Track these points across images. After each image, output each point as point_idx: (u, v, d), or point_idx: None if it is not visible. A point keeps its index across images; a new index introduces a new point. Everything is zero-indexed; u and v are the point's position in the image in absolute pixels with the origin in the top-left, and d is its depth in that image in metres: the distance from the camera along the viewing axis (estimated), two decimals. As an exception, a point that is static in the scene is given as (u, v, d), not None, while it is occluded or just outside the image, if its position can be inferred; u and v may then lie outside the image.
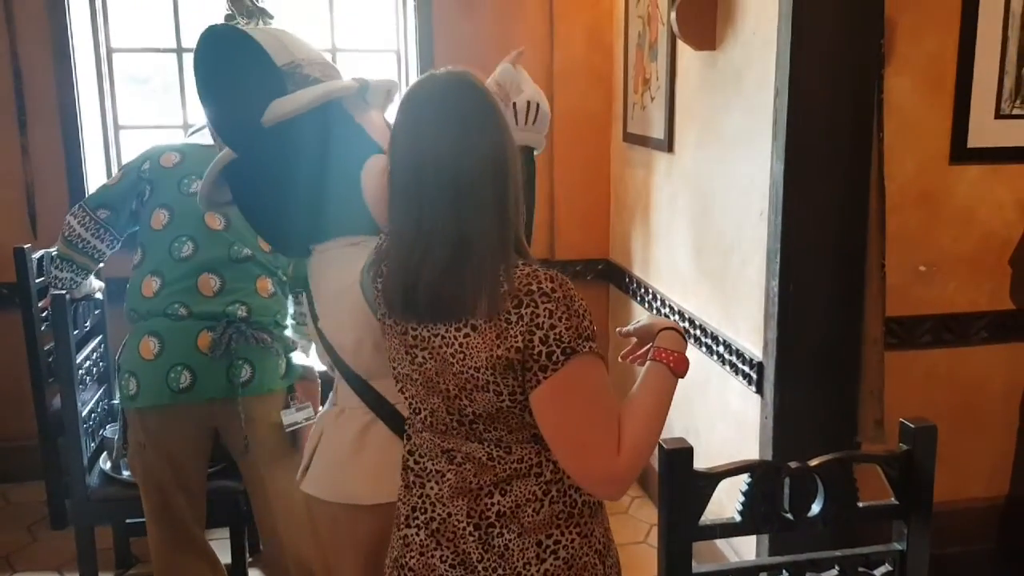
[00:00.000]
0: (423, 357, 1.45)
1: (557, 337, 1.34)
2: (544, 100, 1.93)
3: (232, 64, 1.71)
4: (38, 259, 3.05)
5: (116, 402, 3.07)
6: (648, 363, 1.51)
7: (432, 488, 1.52)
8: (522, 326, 1.34)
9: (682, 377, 1.51)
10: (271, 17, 3.77)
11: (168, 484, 2.48)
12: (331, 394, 1.91)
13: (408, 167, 1.40)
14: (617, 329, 1.64)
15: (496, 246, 1.36)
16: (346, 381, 1.81)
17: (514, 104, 1.90)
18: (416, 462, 1.55)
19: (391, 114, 1.56)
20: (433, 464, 1.52)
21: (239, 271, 2.45)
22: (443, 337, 1.41)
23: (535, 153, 1.95)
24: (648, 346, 1.55)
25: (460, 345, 1.39)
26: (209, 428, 2.52)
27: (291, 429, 2.46)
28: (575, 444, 1.38)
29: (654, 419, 1.44)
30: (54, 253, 2.68)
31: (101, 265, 2.70)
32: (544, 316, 1.34)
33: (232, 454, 2.55)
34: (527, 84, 1.94)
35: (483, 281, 1.35)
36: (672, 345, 1.52)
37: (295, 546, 2.46)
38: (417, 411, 1.53)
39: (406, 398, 1.55)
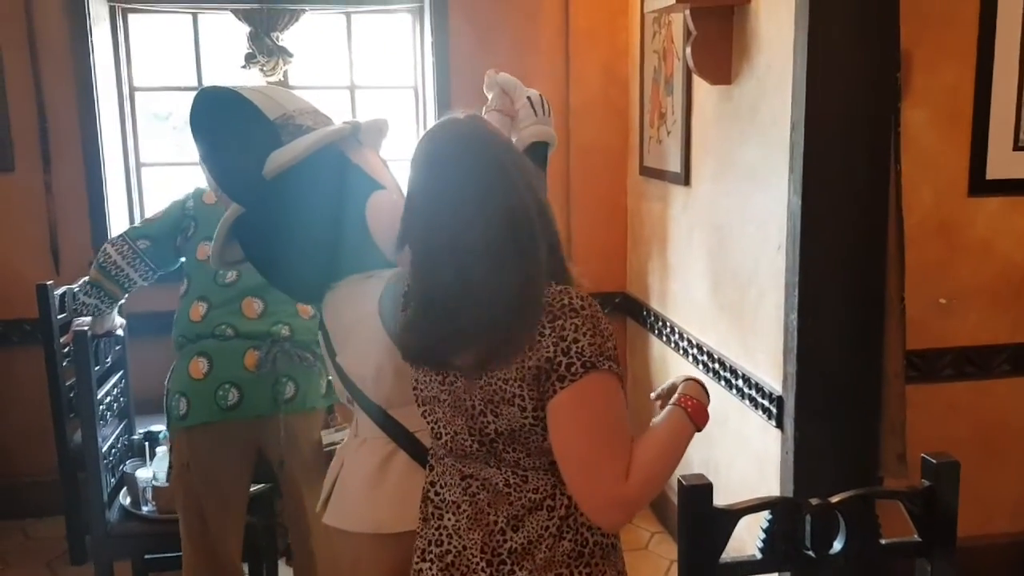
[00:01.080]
0: (454, 376, 1.48)
1: (579, 350, 1.38)
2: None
3: (228, 123, 1.78)
4: (60, 295, 3.09)
5: (137, 437, 3.08)
6: (668, 407, 1.53)
7: (450, 519, 1.53)
8: (553, 337, 1.38)
9: (699, 428, 1.52)
10: (291, 55, 3.84)
11: (209, 507, 2.51)
12: (350, 426, 1.92)
13: (432, 227, 1.44)
14: (651, 395, 1.66)
15: (532, 294, 1.40)
16: (366, 412, 1.82)
17: (528, 99, 1.96)
18: (436, 493, 1.56)
19: (388, 151, 1.60)
20: (451, 495, 1.53)
21: (280, 295, 2.50)
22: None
23: (550, 149, 2.00)
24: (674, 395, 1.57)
25: None
26: (253, 448, 2.56)
27: (328, 449, 2.50)
28: (583, 461, 1.39)
29: (667, 455, 1.45)
30: (85, 279, 2.72)
31: (127, 297, 2.73)
32: (570, 329, 1.38)
33: (275, 472, 2.59)
34: (521, 85, 2.05)
35: (524, 328, 1.39)
36: (694, 394, 1.54)
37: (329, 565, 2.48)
38: (439, 436, 1.55)
39: (429, 423, 1.57)
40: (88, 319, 2.82)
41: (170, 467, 2.60)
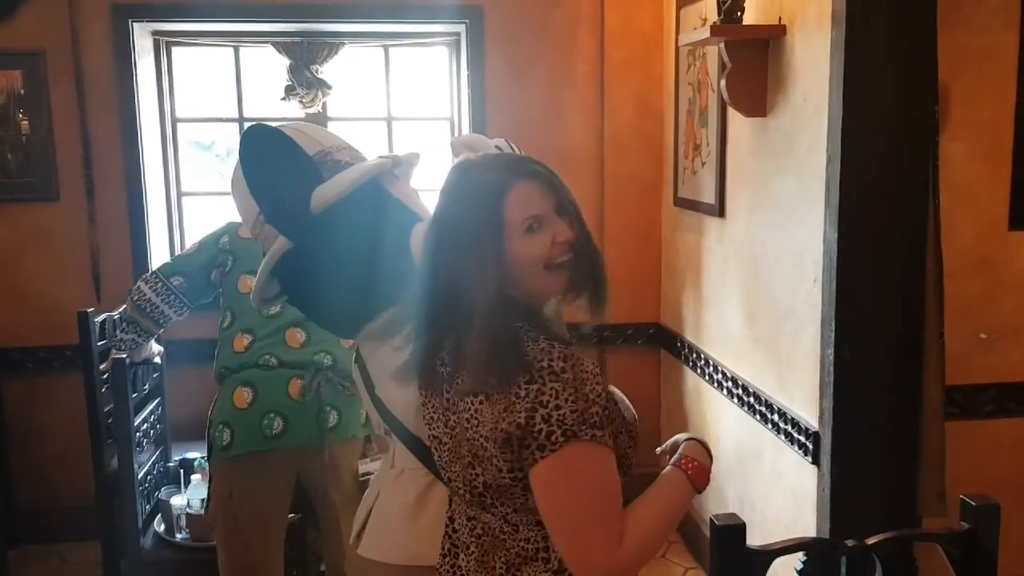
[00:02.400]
0: (454, 421, 1.46)
1: (560, 418, 1.32)
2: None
3: (275, 160, 1.81)
4: (101, 323, 3.13)
5: (172, 464, 3.11)
6: (667, 468, 1.49)
7: (463, 560, 1.53)
8: (528, 402, 1.33)
9: (699, 490, 1.48)
10: (329, 87, 3.90)
11: (251, 538, 2.52)
12: (385, 457, 1.92)
13: (447, 250, 1.45)
14: (656, 450, 1.61)
15: (495, 326, 1.37)
16: (404, 444, 1.81)
17: (497, 147, 1.96)
18: (454, 531, 1.57)
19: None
20: (462, 535, 1.53)
21: None
22: (465, 402, 1.42)
23: None
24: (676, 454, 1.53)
25: (474, 412, 1.40)
26: (293, 478, 2.57)
27: (363, 479, 2.51)
28: (571, 530, 1.35)
29: (663, 520, 1.41)
30: (120, 315, 2.77)
31: (162, 331, 2.77)
32: (550, 395, 1.33)
33: (312, 498, 2.61)
34: (485, 139, 2.04)
35: (491, 356, 1.36)
36: (695, 455, 1.50)
37: None
38: (446, 475, 1.55)
39: (437, 461, 1.57)
40: None
41: (208, 498, 2.60)
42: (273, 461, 2.49)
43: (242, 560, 2.53)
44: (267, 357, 2.51)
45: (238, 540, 2.52)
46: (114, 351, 2.87)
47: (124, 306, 2.72)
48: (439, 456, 1.54)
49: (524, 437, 1.34)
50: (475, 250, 1.39)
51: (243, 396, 2.47)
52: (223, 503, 2.52)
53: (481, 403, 1.38)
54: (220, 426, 2.48)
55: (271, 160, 1.82)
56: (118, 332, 2.76)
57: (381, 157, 1.94)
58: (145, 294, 2.62)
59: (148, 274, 2.68)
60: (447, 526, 1.59)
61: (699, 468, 1.48)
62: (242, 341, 2.54)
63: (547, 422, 1.32)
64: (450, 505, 1.60)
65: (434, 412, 1.52)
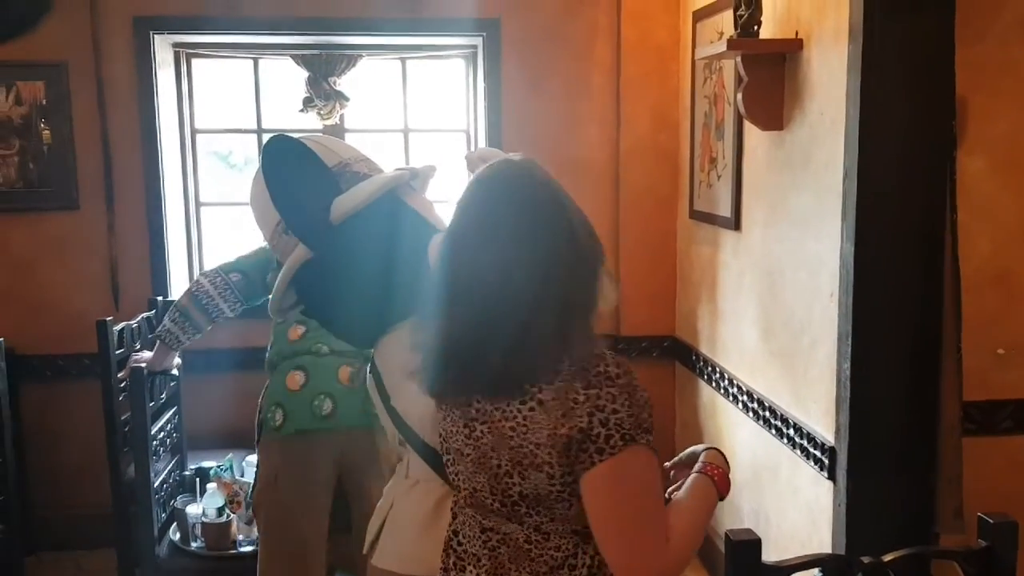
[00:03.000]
0: (481, 431, 1.45)
1: (618, 422, 1.34)
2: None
3: (296, 170, 1.84)
4: (119, 331, 3.16)
5: (188, 473, 3.13)
6: (693, 475, 1.51)
7: (471, 572, 1.51)
8: (588, 406, 1.35)
9: (723, 498, 1.51)
10: (347, 99, 3.93)
11: (297, 519, 2.56)
12: (399, 467, 1.92)
13: (466, 261, 1.43)
14: (665, 465, 1.62)
15: (556, 330, 1.37)
16: (420, 455, 1.81)
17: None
18: (459, 543, 1.55)
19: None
20: (472, 547, 1.52)
21: None
22: (504, 411, 1.41)
23: None
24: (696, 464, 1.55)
25: (523, 419, 1.39)
26: (336, 467, 2.62)
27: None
28: (623, 535, 1.37)
29: (700, 523, 1.44)
30: (174, 305, 2.82)
31: (209, 329, 2.82)
32: (607, 400, 1.35)
33: (349, 490, 2.64)
34: (499, 151, 2.02)
35: (547, 360, 1.36)
36: (718, 463, 1.53)
37: None
38: (459, 488, 1.54)
39: (451, 473, 1.56)
40: (146, 355, 2.88)
41: (253, 484, 2.66)
42: (320, 443, 2.56)
43: (285, 545, 2.57)
44: (319, 345, 2.61)
45: (282, 524, 2.56)
46: (132, 357, 2.88)
47: (180, 299, 2.78)
48: (457, 470, 1.53)
49: (583, 441, 1.35)
50: (586, 258, 1.43)
51: (296, 379, 2.57)
52: (269, 486, 2.57)
53: (532, 410, 1.38)
54: (273, 407, 2.57)
55: (293, 170, 1.84)
56: (167, 322, 2.81)
57: (398, 169, 1.96)
58: (203, 286, 2.72)
59: (208, 270, 2.77)
60: (450, 540, 1.58)
61: (723, 475, 1.51)
62: (296, 331, 2.64)
63: (605, 426, 1.34)
64: (453, 518, 1.59)
65: (452, 425, 1.51)
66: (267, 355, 2.69)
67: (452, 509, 1.60)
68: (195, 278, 2.76)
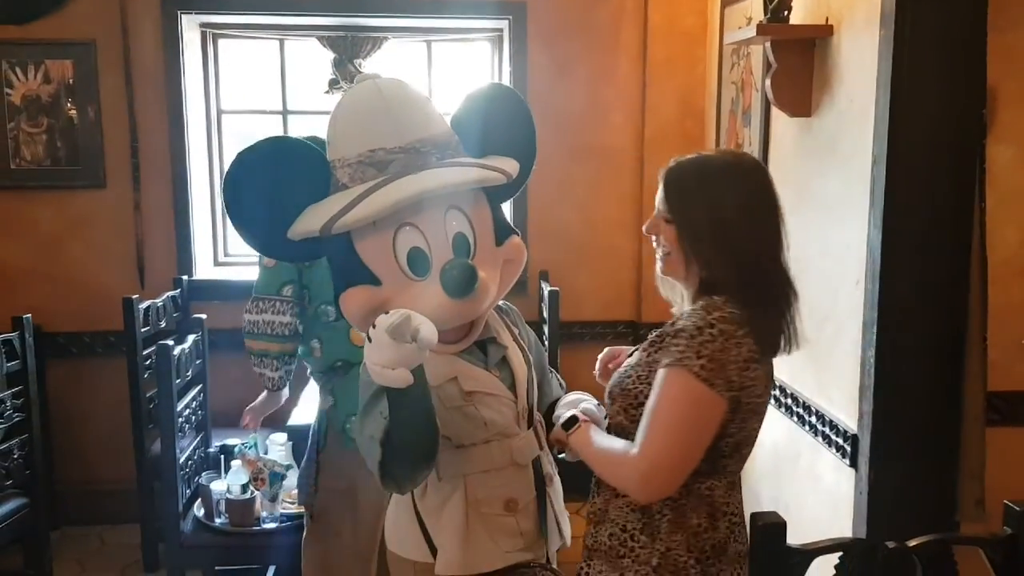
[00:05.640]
0: None
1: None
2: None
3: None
4: (144, 309, 3.19)
5: (213, 450, 3.15)
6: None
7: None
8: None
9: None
10: (372, 82, 3.91)
11: (368, 527, 2.44)
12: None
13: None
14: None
15: None
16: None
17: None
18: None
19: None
20: None
21: None
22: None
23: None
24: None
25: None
26: None
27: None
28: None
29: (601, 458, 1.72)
30: (256, 349, 2.57)
31: (292, 349, 2.58)
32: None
33: None
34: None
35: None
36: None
37: None
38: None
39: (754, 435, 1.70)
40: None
41: (314, 490, 2.58)
42: None
43: (354, 549, 2.53)
44: None
45: (355, 529, 2.52)
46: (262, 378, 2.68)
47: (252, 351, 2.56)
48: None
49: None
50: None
51: (358, 336, 2.27)
52: (339, 495, 2.51)
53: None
54: (353, 418, 2.25)
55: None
56: (266, 371, 2.59)
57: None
58: (259, 324, 2.48)
59: (250, 304, 2.50)
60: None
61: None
62: (359, 335, 2.43)
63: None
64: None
65: (768, 382, 1.70)
66: (314, 358, 2.51)
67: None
68: (245, 318, 2.52)
